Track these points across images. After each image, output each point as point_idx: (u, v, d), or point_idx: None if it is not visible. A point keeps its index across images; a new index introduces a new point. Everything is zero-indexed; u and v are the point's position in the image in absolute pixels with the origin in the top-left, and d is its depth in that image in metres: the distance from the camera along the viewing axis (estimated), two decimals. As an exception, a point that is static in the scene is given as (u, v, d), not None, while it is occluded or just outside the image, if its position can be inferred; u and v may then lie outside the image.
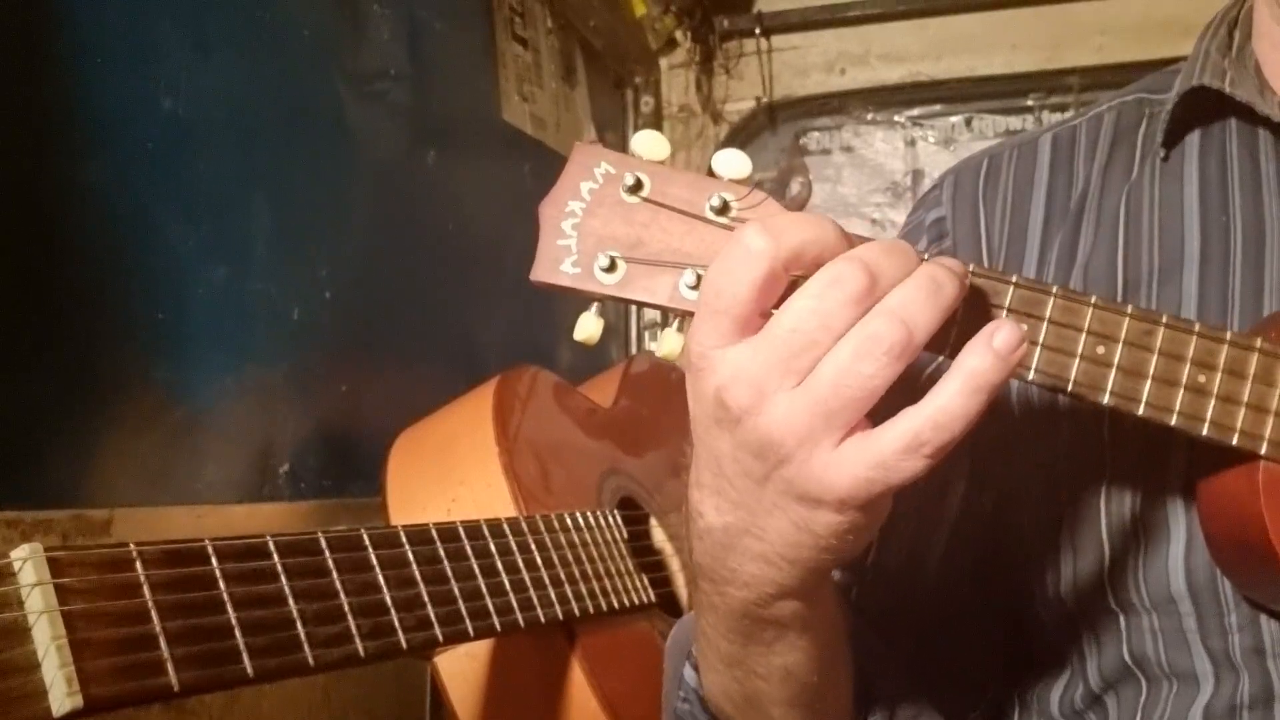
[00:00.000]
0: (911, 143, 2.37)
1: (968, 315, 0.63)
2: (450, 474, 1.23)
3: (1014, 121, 2.32)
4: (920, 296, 0.58)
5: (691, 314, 0.63)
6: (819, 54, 2.39)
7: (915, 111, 2.37)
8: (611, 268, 0.65)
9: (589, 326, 0.67)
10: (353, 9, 1.51)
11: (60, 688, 0.64)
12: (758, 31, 2.36)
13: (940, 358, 0.64)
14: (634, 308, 2.37)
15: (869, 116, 2.39)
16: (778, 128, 2.43)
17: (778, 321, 0.59)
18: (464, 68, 1.81)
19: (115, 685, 0.67)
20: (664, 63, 2.45)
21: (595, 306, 0.67)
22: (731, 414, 0.60)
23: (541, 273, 0.65)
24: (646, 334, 2.39)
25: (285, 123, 1.36)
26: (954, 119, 2.35)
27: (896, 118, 2.38)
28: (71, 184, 1.06)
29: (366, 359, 1.49)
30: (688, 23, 2.37)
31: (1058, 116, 2.21)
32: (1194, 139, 0.88)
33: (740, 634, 0.71)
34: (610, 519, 1.30)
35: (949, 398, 0.58)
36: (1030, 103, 2.30)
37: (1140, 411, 0.68)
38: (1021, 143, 0.96)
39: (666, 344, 0.66)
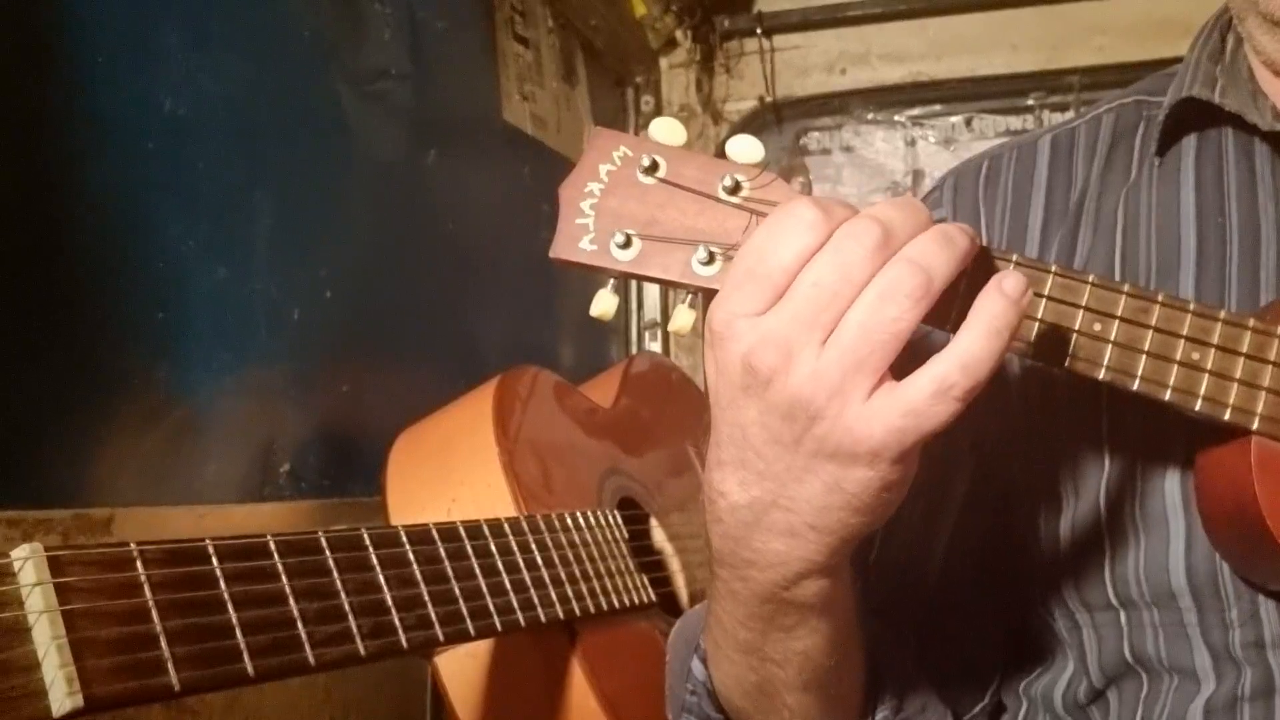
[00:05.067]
0: (911, 143, 2.37)
1: (971, 288, 0.65)
2: (450, 474, 1.23)
3: (1014, 121, 2.32)
4: (935, 247, 0.61)
5: (703, 290, 0.66)
6: (819, 54, 2.39)
7: (915, 111, 2.37)
8: (627, 244, 0.67)
9: (605, 303, 0.69)
10: (353, 9, 1.51)
11: (60, 687, 0.64)
12: (758, 31, 2.36)
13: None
14: (634, 310, 2.37)
15: (869, 116, 2.39)
16: (782, 126, 2.43)
17: (801, 280, 0.61)
18: (464, 68, 1.81)
19: (116, 685, 0.67)
20: (664, 62, 2.45)
21: (611, 283, 0.69)
22: (760, 377, 0.61)
23: (560, 250, 0.68)
24: (646, 334, 2.39)
25: (286, 123, 1.36)
26: (954, 119, 2.35)
27: (897, 118, 2.38)
28: (72, 184, 1.06)
29: (366, 359, 1.49)
30: (688, 22, 2.37)
31: (1058, 116, 2.22)
32: (1190, 142, 0.89)
33: (761, 620, 0.72)
34: (610, 519, 1.30)
35: (971, 340, 0.60)
36: (1030, 103, 2.30)
37: (1135, 386, 0.70)
38: (1021, 144, 0.96)
39: (678, 320, 0.69)
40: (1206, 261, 0.84)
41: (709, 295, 0.66)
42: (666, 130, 0.68)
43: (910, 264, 0.60)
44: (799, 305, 0.61)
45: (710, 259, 0.66)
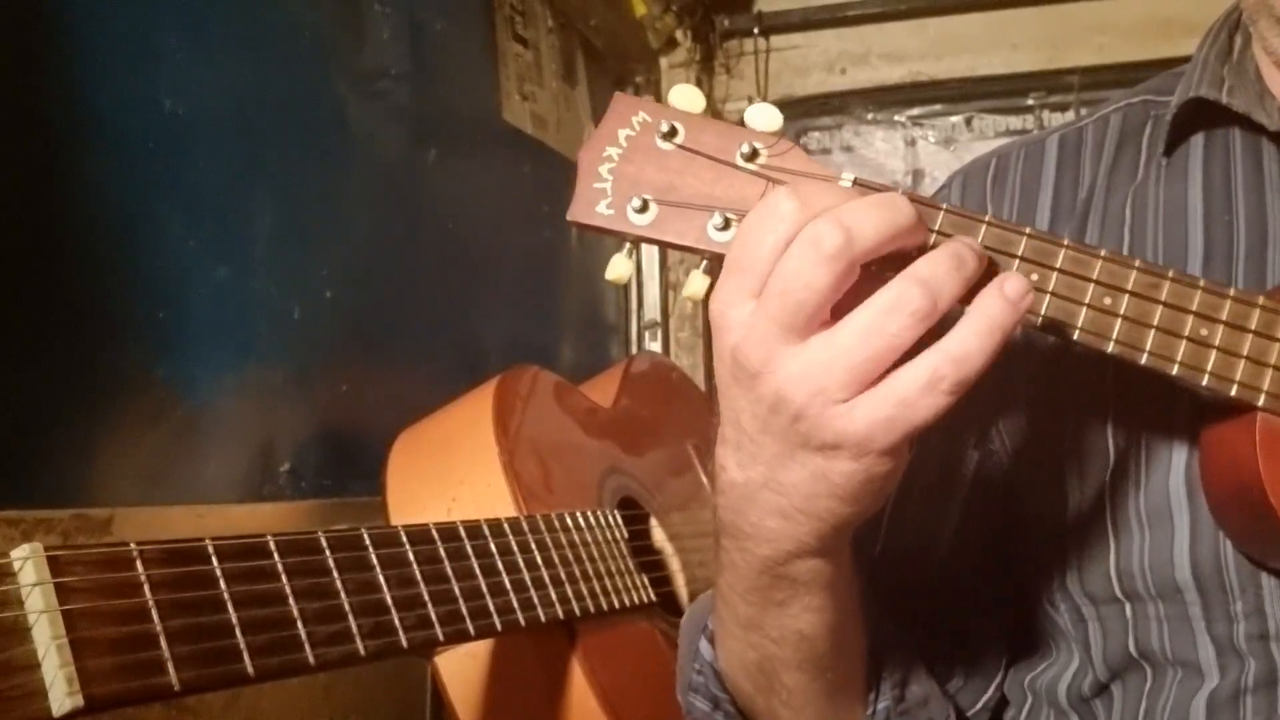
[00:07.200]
0: (911, 142, 2.37)
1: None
2: (450, 474, 1.23)
3: (1014, 121, 2.32)
4: (946, 268, 0.62)
5: (717, 255, 0.67)
6: (819, 54, 2.39)
7: (915, 111, 2.37)
8: (644, 209, 0.68)
9: (620, 267, 0.70)
10: (353, 9, 1.51)
11: (60, 687, 0.64)
12: (757, 31, 2.36)
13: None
14: (634, 310, 2.37)
15: (869, 116, 2.39)
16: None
17: (771, 283, 0.62)
18: (464, 68, 1.81)
19: (116, 684, 0.67)
20: (664, 62, 2.45)
21: (627, 247, 0.70)
22: (747, 371, 0.63)
23: (578, 213, 0.69)
24: (646, 334, 2.39)
25: (286, 122, 1.36)
26: (954, 119, 2.35)
27: (896, 117, 2.38)
28: (72, 183, 1.06)
29: (366, 359, 1.49)
30: (688, 22, 2.37)
31: (1058, 116, 2.22)
32: (1198, 141, 0.89)
33: (758, 593, 0.73)
34: (610, 518, 1.30)
35: (965, 336, 0.61)
36: (1030, 102, 2.30)
37: (1143, 360, 0.70)
38: (1029, 143, 0.97)
39: (692, 285, 0.69)
40: (1213, 260, 0.84)
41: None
42: (686, 97, 0.69)
43: (918, 283, 0.61)
44: (770, 307, 0.62)
45: (726, 225, 0.67)
